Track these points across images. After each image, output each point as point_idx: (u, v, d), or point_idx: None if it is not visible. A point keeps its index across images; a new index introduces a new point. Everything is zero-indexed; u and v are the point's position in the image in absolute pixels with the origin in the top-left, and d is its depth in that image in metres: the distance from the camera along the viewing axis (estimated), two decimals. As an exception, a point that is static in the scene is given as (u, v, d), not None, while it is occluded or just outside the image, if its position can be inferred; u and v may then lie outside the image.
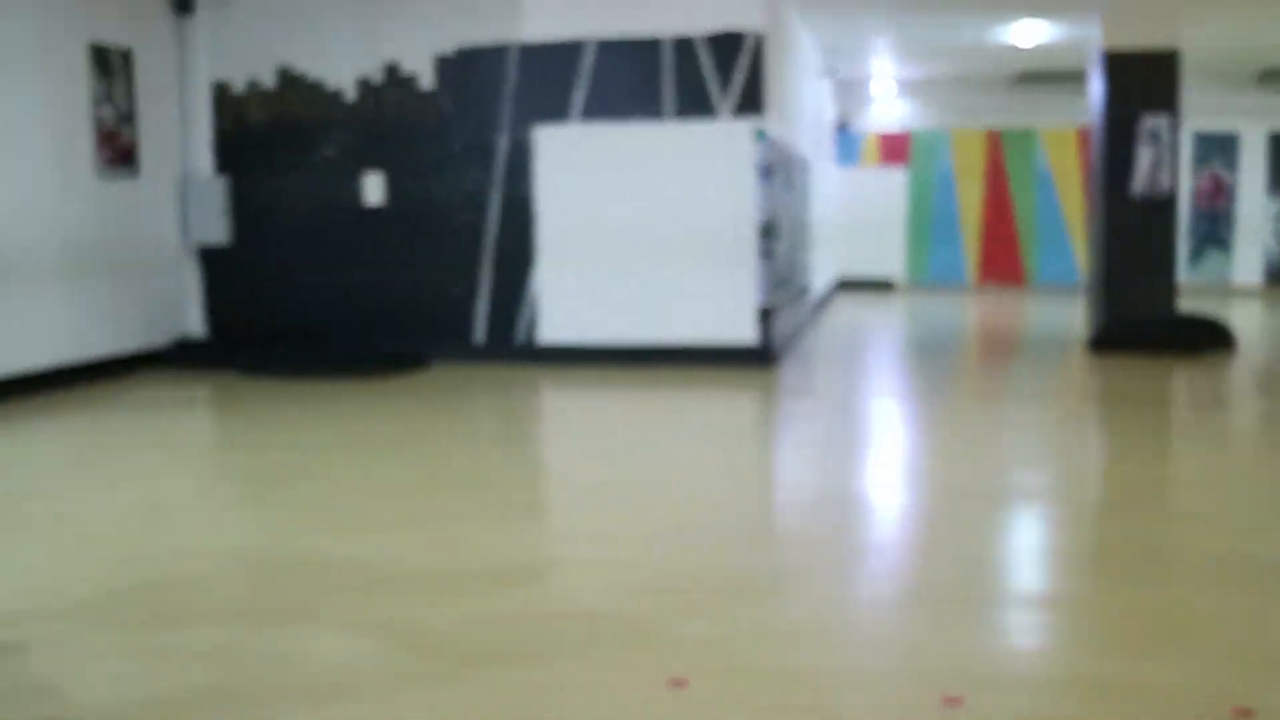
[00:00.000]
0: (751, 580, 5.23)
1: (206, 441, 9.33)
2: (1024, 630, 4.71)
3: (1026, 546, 6.02)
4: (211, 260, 12.53)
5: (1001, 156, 21.02)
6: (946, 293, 20.63)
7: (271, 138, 12.33)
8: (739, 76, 11.17)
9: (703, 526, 6.06)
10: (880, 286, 21.36)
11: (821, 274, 17.82)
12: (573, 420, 9.79)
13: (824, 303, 18.08)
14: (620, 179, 11.44)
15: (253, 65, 12.30)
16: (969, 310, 18.27)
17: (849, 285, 21.27)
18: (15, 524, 6.32)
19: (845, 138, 21.51)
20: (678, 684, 3.99)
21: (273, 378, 11.14)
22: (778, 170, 11.96)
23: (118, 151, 11.52)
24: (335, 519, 6.28)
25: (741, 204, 11.22)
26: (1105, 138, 12.64)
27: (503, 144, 11.69)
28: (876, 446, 8.55)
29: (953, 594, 4.97)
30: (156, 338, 12.14)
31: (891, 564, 5.59)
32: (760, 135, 11.17)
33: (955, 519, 6.20)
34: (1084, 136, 19.59)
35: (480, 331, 11.90)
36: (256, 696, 3.98)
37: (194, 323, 12.57)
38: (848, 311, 17.88)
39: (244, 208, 12.38)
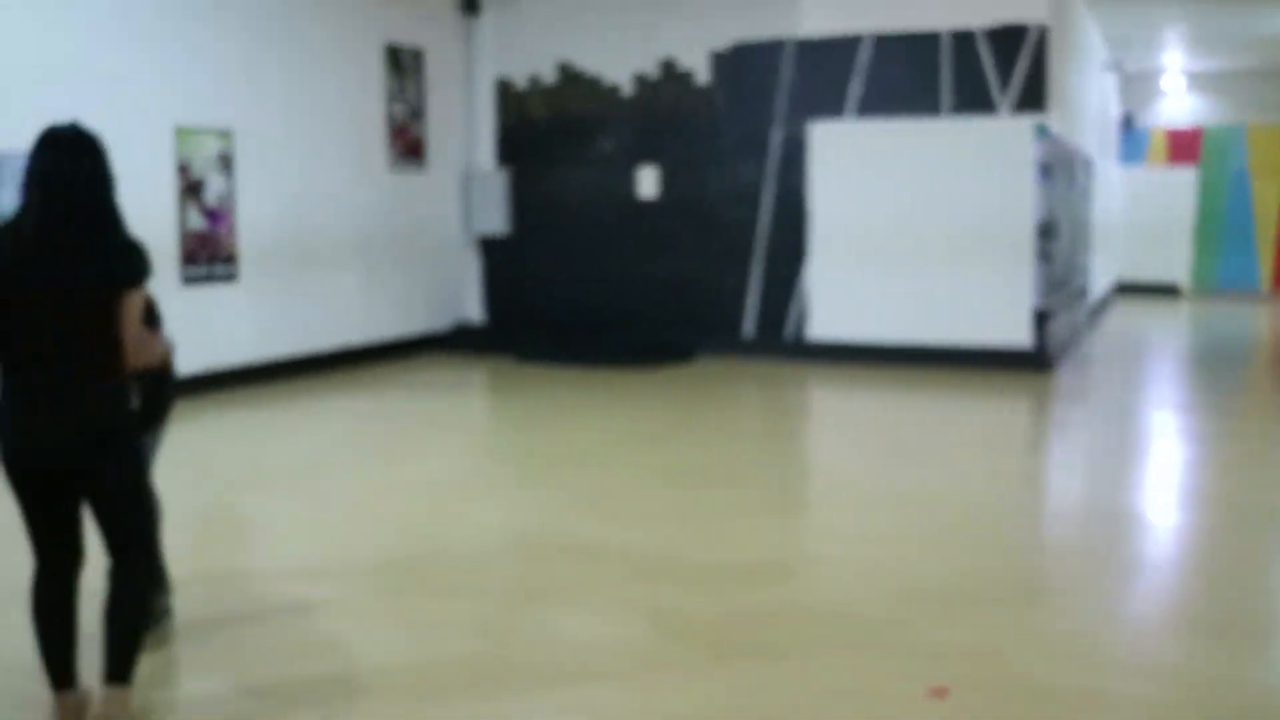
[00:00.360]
0: (1016, 590, 5.10)
1: (483, 424, 9.73)
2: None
3: (1321, 574, 5.65)
4: (491, 250, 13.03)
5: (1303, 154, 19.60)
6: (1237, 300, 19.43)
7: (551, 132, 12.73)
8: (1020, 71, 10.84)
9: (967, 532, 5.93)
10: (1163, 291, 20.29)
11: (1101, 277, 17.10)
12: (840, 418, 9.72)
13: (1102, 306, 17.33)
14: (895, 176, 11.28)
15: (535, 62, 12.72)
16: (1262, 319, 17.17)
17: (1129, 289, 20.30)
18: (307, 493, 6.75)
19: (1131, 135, 20.54)
20: (938, 694, 3.94)
21: (546, 364, 11.52)
22: (1058, 168, 11.55)
23: (407, 145, 12.13)
24: (604, 506, 6.45)
25: (1020, 203, 10.88)
26: None
27: (777, 139, 11.71)
28: (1154, 459, 8.16)
29: (1232, 621, 4.71)
30: (438, 322, 12.73)
31: (1166, 583, 5.34)
32: (1041, 131, 10.81)
33: (1237, 540, 5.87)
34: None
35: (749, 325, 11.97)
36: (516, 671, 4.15)
37: (473, 309, 13.11)
38: (1127, 316, 17.09)
39: (523, 200, 12.83)
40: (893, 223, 11.29)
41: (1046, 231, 10.99)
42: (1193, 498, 6.95)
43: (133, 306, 3.55)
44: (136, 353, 3.59)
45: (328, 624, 4.60)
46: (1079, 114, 13.64)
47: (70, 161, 3.51)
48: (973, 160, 11.00)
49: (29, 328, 3.47)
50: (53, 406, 3.49)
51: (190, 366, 9.71)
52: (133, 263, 3.57)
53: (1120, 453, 8.16)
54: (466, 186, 12.94)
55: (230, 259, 10.14)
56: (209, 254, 9.92)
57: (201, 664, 4.28)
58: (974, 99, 10.98)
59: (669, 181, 12.22)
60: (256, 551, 5.83)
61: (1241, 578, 5.29)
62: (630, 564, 5.36)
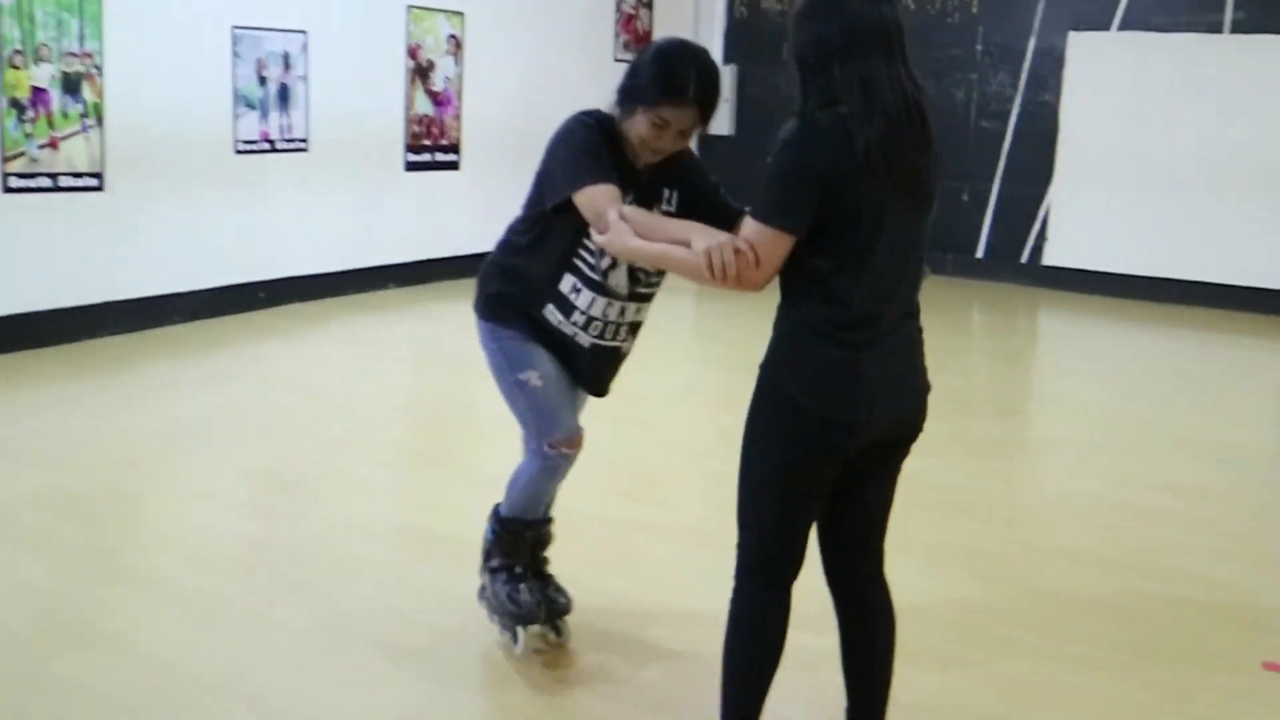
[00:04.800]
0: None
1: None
2: None
3: None
4: (713, 149, 12.52)
5: None
6: None
7: (782, 27, 12.08)
8: (1316, -13, 9.76)
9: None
10: None
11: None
12: (1090, 353, 9.00)
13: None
14: (1162, 97, 10.33)
15: (772, -46, 12.06)
16: None
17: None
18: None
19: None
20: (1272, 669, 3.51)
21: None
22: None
23: (634, 35, 11.65)
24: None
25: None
26: None
27: (1031, 49, 10.85)
28: None
29: None
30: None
31: None
32: (1336, 55, 9.74)
33: None
34: None
35: (982, 246, 11.24)
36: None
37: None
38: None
39: (750, 99, 12.25)
40: (1155, 148, 10.36)
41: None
42: None
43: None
44: None
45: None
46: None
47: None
48: (1259, 83, 9.98)
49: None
50: (907, 354, 2.62)
51: (410, 254, 9.56)
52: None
53: None
54: (690, 83, 12.42)
55: (454, 146, 9.87)
56: (434, 140, 9.66)
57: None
58: (1264, 13, 9.92)
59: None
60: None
61: None
62: (942, 500, 4.88)
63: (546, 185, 3.04)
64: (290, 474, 5.11)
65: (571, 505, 4.57)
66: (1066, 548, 4.59)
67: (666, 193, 3.14)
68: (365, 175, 9.08)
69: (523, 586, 3.36)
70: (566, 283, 3.13)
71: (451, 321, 8.55)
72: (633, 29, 11.62)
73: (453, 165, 9.89)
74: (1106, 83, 10.57)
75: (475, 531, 4.43)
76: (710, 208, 3.06)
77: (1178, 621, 3.96)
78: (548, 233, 3.11)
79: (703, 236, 2.52)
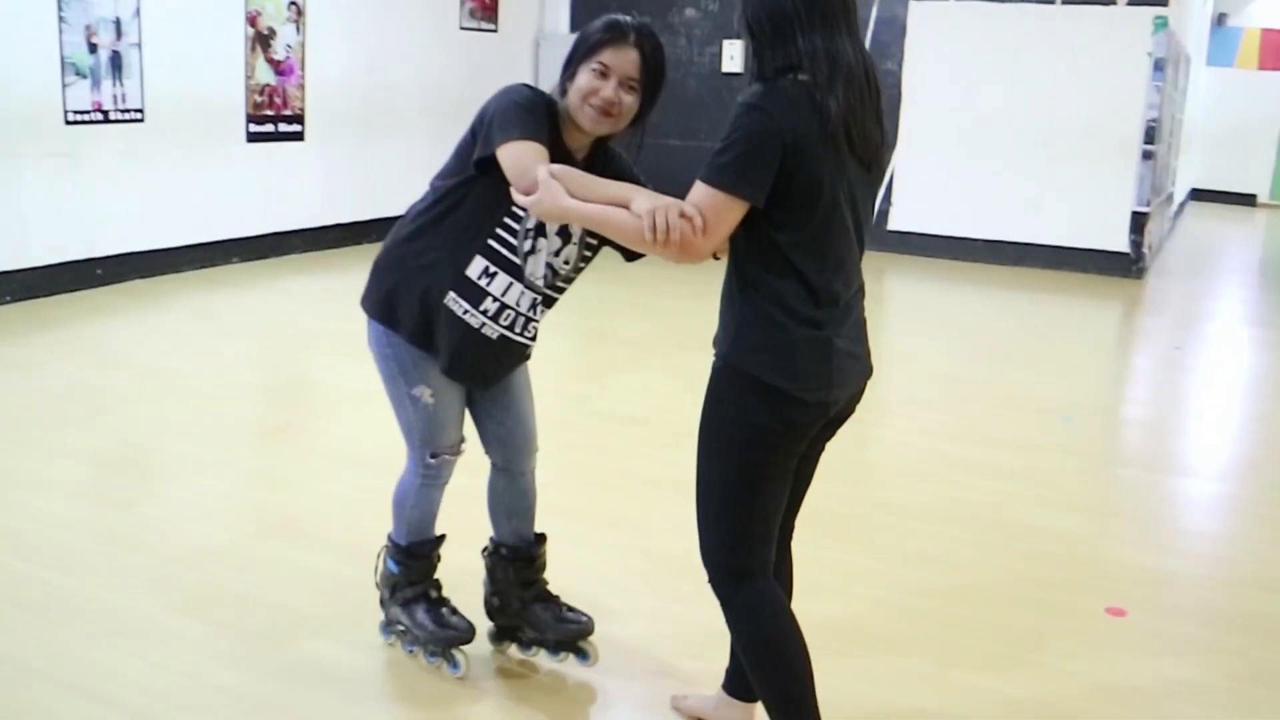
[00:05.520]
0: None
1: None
2: None
3: None
4: (560, 119, 12.46)
5: (1403, 65, 18.63)
6: (1316, 214, 18.72)
7: (630, -2, 12.05)
8: (1141, -42, 10.12)
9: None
10: (1239, 200, 19.55)
11: (1182, 182, 16.43)
12: (933, 314, 9.23)
13: (1180, 213, 16.70)
14: (998, 65, 10.62)
15: (618, -79, 12.00)
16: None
17: (1204, 195, 19.57)
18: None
19: (1221, 34, 19.58)
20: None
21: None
22: (1170, 66, 10.87)
23: (481, 3, 11.50)
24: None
25: (1132, 100, 10.25)
26: None
27: (874, 18, 11.03)
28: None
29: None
30: (502, 193, 12.22)
31: None
32: (1160, 25, 10.12)
33: None
34: None
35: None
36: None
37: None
38: (1204, 224, 16.47)
39: (597, 68, 12.20)
40: (991, 114, 10.67)
41: (1152, 131, 10.38)
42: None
43: None
44: None
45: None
46: (1187, 10, 12.88)
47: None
48: (1085, 52, 10.32)
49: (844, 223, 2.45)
50: (860, 330, 2.56)
51: (254, 228, 9.31)
52: None
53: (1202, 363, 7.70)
54: (538, 50, 12.32)
55: (298, 116, 9.62)
56: (276, 110, 9.41)
57: (306, 559, 3.92)
58: (1091, -14, 10.27)
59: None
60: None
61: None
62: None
63: (479, 141, 2.75)
64: (131, 457, 4.95)
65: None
66: (913, 504, 4.70)
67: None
68: (205, 146, 8.80)
69: (443, 610, 3.17)
70: (476, 266, 2.84)
71: (299, 296, 8.39)
72: (479, -3, 11.47)
73: (297, 136, 9.64)
74: (947, 51, 10.82)
75: (322, 508, 4.37)
76: None
77: (1024, 572, 4.09)
78: (458, 207, 2.85)
79: (645, 198, 2.39)
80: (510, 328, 2.91)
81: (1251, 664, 3.51)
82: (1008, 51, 10.58)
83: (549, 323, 3.02)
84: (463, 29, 11.24)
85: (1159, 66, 10.22)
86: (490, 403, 3.12)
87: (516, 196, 2.56)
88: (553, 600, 3.24)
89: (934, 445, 5.56)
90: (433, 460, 3.07)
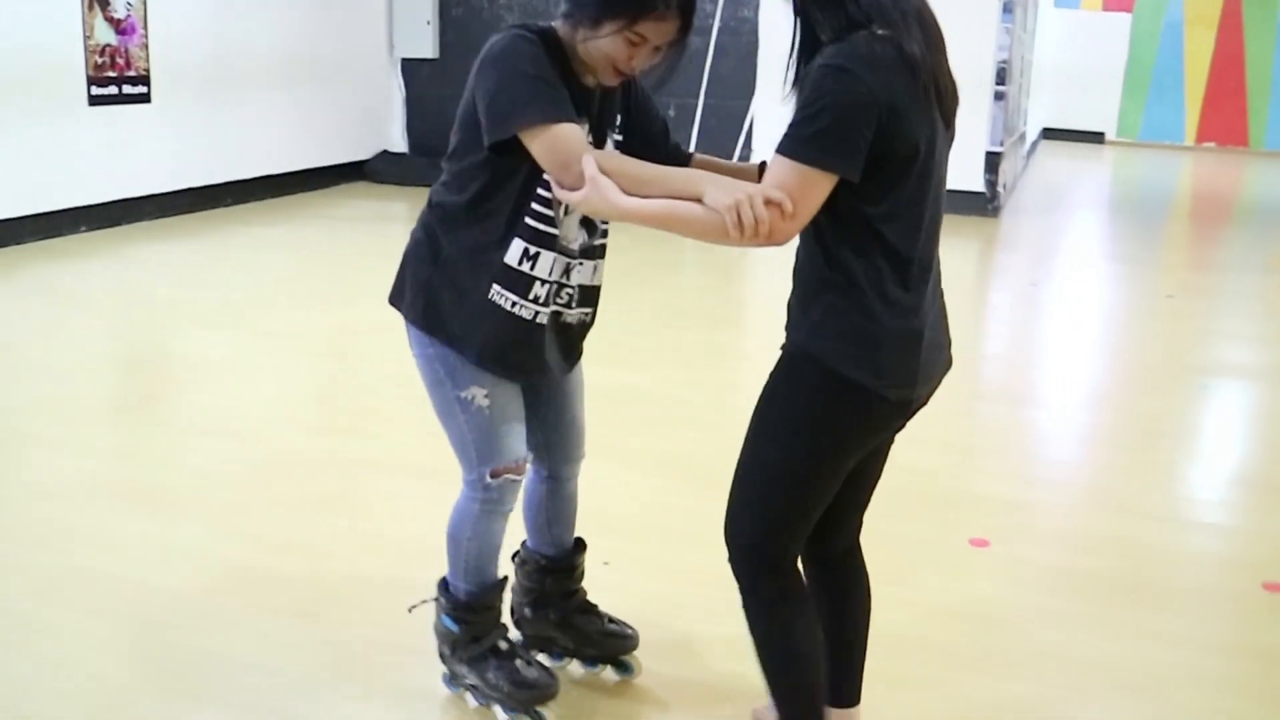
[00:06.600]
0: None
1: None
2: None
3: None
4: (415, 73, 12.25)
5: (1239, 5, 19.31)
6: (1160, 151, 19.37)
7: (483, -51, 11.87)
8: (986, -101, 10.29)
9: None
10: (1088, 138, 20.14)
11: (1033, 121, 16.85)
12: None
13: (1032, 151, 17.13)
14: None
15: None
16: (1188, 170, 17.11)
17: (1054, 134, 20.11)
18: (243, 330, 6.21)
19: (1066, -25, 20.07)
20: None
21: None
22: (1018, 8, 11.10)
23: (330, -44, 11.22)
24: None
25: (983, 40, 10.44)
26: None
27: (727, -35, 11.06)
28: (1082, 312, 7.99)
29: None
30: (360, 151, 12.00)
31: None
32: (1007, -34, 10.32)
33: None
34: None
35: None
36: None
37: (396, 137, 12.39)
38: (1055, 162, 16.92)
39: (452, 19, 12.02)
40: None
41: (1004, 72, 10.60)
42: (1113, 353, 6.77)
43: None
44: None
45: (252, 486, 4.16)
46: (1032, -50, 13.16)
47: None
48: None
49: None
50: (942, 310, 2.34)
51: (101, 194, 8.99)
52: None
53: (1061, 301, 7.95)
54: (391, 6, 12.08)
55: (143, 78, 9.29)
56: (119, 71, 9.07)
57: (169, 533, 3.82)
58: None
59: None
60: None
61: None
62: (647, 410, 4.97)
63: (486, 119, 2.35)
64: (-20, 437, 4.76)
65: (285, 446, 4.45)
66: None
67: (620, 119, 2.59)
68: (43, 110, 8.45)
69: (517, 663, 2.76)
70: (514, 251, 2.47)
71: (152, 265, 8.13)
72: (327, -50, 11.17)
73: (143, 98, 9.32)
74: None
75: (183, 480, 4.26)
76: (652, 148, 2.55)
77: (886, 507, 4.13)
78: (483, 190, 2.47)
79: (717, 188, 2.09)
80: (569, 304, 2.61)
81: (1113, 585, 3.64)
82: None
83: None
84: (312, -16, 10.97)
85: (1008, 9, 10.43)
86: (543, 404, 2.78)
87: (559, 193, 2.30)
88: (593, 610, 2.99)
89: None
90: (493, 481, 2.63)
